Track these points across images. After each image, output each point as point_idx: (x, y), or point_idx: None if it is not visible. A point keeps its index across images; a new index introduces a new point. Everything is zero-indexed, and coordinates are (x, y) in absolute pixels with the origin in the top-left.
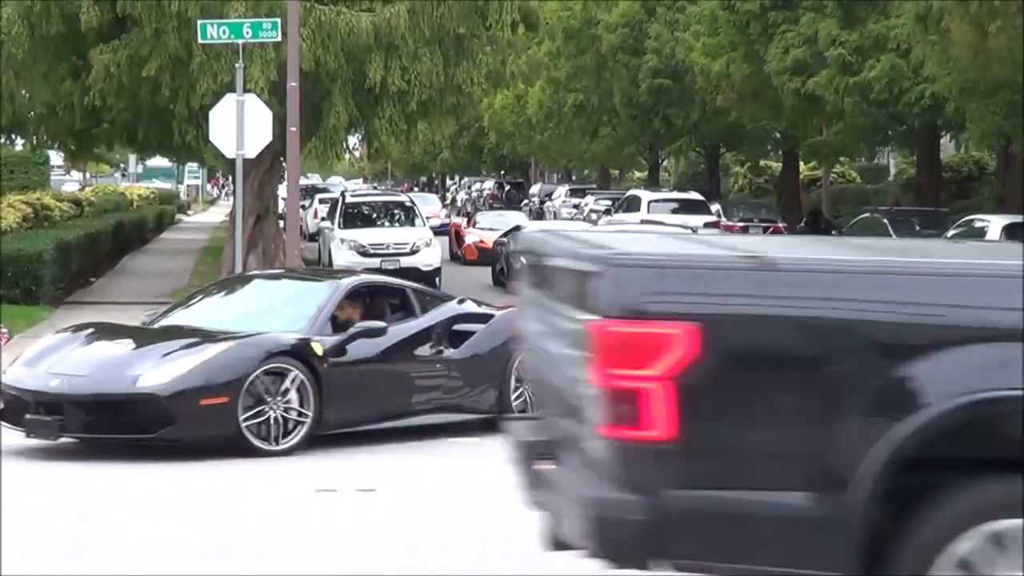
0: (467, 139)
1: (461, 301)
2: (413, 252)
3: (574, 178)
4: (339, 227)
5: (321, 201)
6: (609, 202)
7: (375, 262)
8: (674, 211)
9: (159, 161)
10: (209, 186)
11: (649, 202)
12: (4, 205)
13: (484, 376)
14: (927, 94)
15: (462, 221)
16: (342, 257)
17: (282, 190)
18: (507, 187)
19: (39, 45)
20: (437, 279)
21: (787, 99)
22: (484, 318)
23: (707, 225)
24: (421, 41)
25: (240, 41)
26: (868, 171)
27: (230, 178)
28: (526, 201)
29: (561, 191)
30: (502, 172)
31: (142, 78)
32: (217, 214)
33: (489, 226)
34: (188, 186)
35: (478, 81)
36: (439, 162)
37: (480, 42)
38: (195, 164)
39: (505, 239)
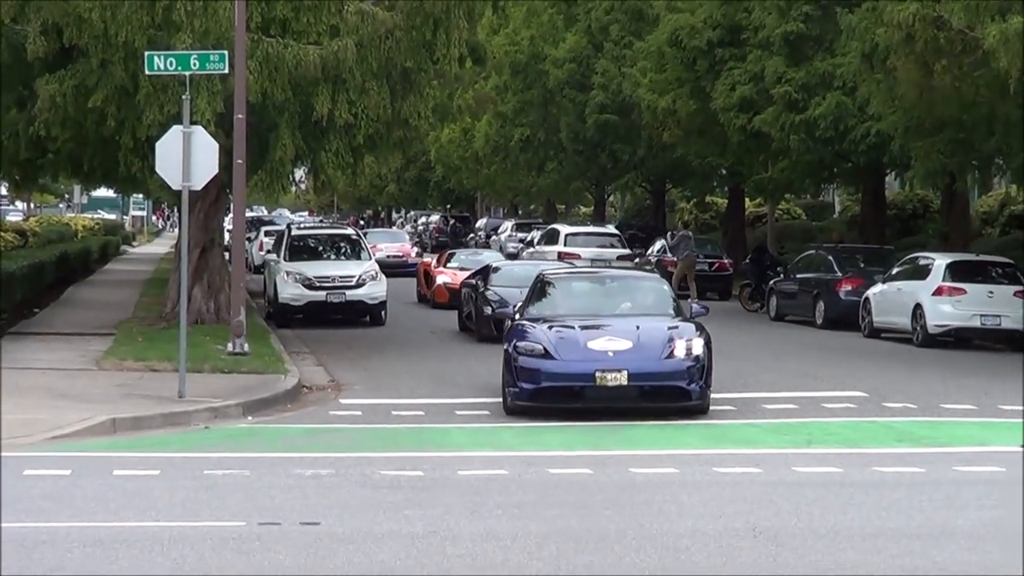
0: (413, 172)
1: None
2: (359, 285)
3: (520, 212)
4: (285, 259)
5: (267, 233)
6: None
7: (321, 295)
8: (590, 244)
9: (104, 192)
10: (154, 217)
11: (566, 235)
12: None
13: None
14: (872, 132)
15: (432, 260)
16: (288, 290)
17: (228, 222)
18: (452, 221)
19: None
20: (383, 312)
21: (733, 136)
22: None
23: (620, 258)
24: (368, 75)
25: (187, 73)
26: (813, 208)
27: (175, 209)
28: (472, 235)
29: (507, 225)
30: (448, 206)
31: (88, 109)
32: (162, 245)
33: (461, 265)
34: (133, 217)
35: (425, 115)
36: (385, 195)
37: (427, 76)
38: (140, 195)
39: (473, 280)
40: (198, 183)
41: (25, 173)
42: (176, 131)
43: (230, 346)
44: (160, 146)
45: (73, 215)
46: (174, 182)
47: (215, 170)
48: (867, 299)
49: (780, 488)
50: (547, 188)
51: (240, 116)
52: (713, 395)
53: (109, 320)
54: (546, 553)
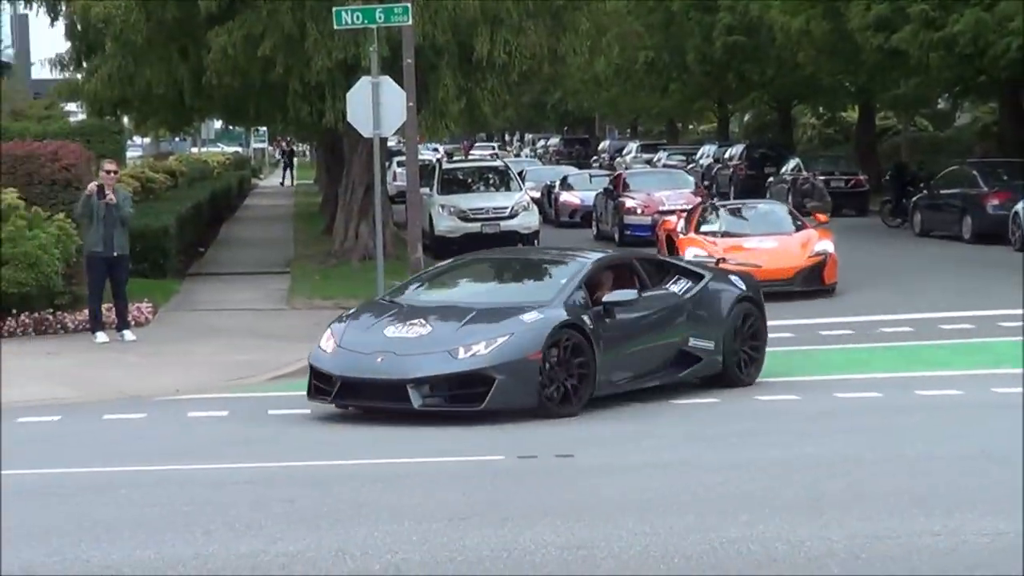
0: (530, 96)
1: None
2: (512, 216)
3: (640, 131)
4: (438, 193)
5: (399, 164)
6: (683, 157)
7: (476, 227)
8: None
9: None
10: (269, 147)
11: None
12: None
13: None
14: (1013, 47)
15: (677, 221)
16: (443, 223)
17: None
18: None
19: (155, 30)
20: (536, 242)
21: (869, 55)
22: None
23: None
24: (524, 15)
25: (373, 26)
26: (933, 118)
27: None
28: (595, 157)
29: (632, 147)
30: (565, 128)
31: (256, 57)
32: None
33: (726, 228)
34: (255, 149)
35: (581, 51)
36: (501, 119)
37: (581, 13)
38: (263, 128)
39: None
40: (387, 131)
41: (179, 116)
42: (365, 82)
43: None
44: (351, 96)
45: (196, 151)
46: (365, 130)
47: (403, 118)
48: (1016, 213)
49: (988, 410)
50: (670, 109)
51: (409, 61)
52: (890, 316)
53: (275, 257)
54: (798, 478)
